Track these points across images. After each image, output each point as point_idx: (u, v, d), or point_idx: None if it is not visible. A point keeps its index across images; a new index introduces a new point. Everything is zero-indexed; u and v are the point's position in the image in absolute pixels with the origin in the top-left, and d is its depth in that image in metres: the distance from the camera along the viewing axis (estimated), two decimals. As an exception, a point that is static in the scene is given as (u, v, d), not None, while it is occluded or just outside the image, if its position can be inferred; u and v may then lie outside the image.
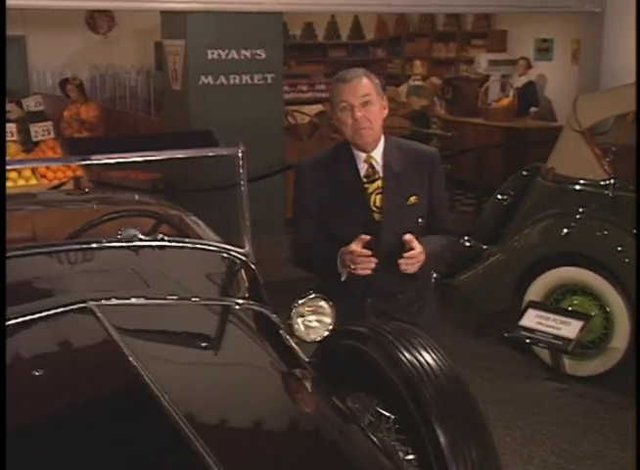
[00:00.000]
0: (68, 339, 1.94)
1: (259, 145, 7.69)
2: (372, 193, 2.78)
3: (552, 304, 4.73)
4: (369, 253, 2.60)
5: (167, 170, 8.24)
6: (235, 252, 2.65)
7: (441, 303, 5.66)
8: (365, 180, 2.78)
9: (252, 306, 2.29)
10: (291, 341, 2.23)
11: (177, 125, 7.82)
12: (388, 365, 2.02)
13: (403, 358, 2.01)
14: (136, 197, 3.60)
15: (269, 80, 7.70)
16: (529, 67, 10.66)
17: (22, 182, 7.46)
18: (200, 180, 7.51)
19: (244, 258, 2.64)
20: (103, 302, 1.93)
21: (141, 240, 2.35)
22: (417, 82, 11.05)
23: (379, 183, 2.78)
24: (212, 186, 7.34)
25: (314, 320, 2.28)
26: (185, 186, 7.75)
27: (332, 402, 1.97)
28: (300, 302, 2.28)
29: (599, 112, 4.61)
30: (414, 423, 1.95)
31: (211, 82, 7.45)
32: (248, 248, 2.73)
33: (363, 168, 2.79)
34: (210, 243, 2.70)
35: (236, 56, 7.49)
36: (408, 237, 2.63)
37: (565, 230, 4.68)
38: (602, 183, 4.57)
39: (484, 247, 5.07)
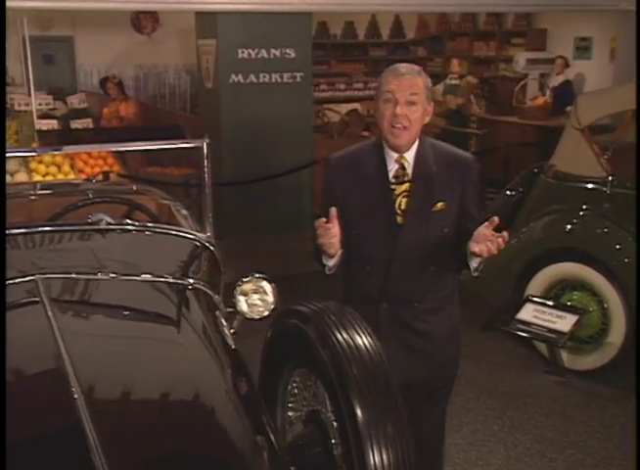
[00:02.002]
0: (9, 306, 2.14)
1: (288, 142, 7.93)
2: (399, 195, 2.66)
3: (552, 298, 4.81)
4: (324, 220, 2.48)
5: (200, 166, 8.51)
6: (195, 236, 2.84)
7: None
8: (394, 181, 2.66)
9: (198, 286, 2.46)
10: (224, 324, 2.39)
11: (209, 122, 8.09)
12: (321, 344, 2.17)
13: (334, 338, 2.16)
14: (134, 188, 3.82)
15: (298, 79, 7.89)
16: (567, 65, 10.61)
17: (61, 176, 7.81)
18: (228, 175, 7.77)
19: (205, 243, 2.83)
20: (48, 276, 2.16)
21: (108, 224, 2.57)
22: (454, 81, 11.09)
23: (407, 186, 2.65)
24: (240, 180, 7.60)
25: (257, 299, 2.46)
26: (216, 180, 8.01)
27: (239, 388, 2.11)
28: (245, 280, 2.45)
29: (597, 110, 4.67)
30: (338, 399, 2.11)
31: (241, 81, 7.68)
32: (209, 233, 2.91)
33: (393, 169, 2.66)
34: (173, 228, 2.88)
35: (266, 55, 7.71)
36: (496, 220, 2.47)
37: (565, 226, 4.76)
38: (600, 180, 4.64)
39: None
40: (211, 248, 2.85)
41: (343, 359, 2.12)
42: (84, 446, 1.55)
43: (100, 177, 6.36)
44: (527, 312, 4.71)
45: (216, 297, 2.48)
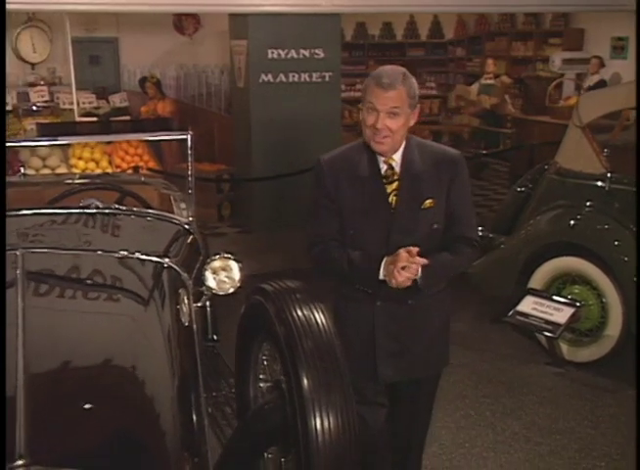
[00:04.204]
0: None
1: (316, 139, 8.14)
2: (390, 194, 2.72)
3: (554, 292, 4.94)
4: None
5: (232, 162, 8.82)
6: (176, 221, 3.08)
7: (461, 291, 5.97)
8: (384, 181, 2.73)
9: (170, 265, 2.68)
10: (185, 302, 2.60)
11: (241, 120, 8.37)
12: (277, 318, 2.38)
13: (288, 314, 2.37)
14: (142, 178, 4.10)
15: (327, 78, 8.10)
16: (602, 65, 10.62)
17: (98, 171, 8.20)
18: (257, 172, 8.03)
19: (185, 227, 3.07)
20: (29, 250, 2.42)
21: (97, 208, 2.83)
22: (488, 81, 11.19)
23: (396, 184, 2.72)
24: (268, 176, 7.85)
25: (224, 276, 2.68)
26: (246, 176, 8.31)
27: (177, 362, 2.30)
28: (213, 258, 2.68)
29: (597, 108, 4.79)
30: (288, 368, 2.32)
31: (271, 80, 7.93)
32: (191, 218, 3.15)
33: (383, 169, 2.73)
34: (156, 213, 3.11)
35: (295, 55, 7.94)
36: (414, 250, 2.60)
37: (566, 222, 4.88)
38: (600, 177, 4.76)
39: (490, 235, 5.33)
40: (191, 231, 3.08)
41: (295, 333, 2.32)
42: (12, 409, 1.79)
43: (130, 171, 6.69)
44: (527, 304, 4.85)
45: (184, 275, 2.69)
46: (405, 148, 2.72)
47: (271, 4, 7.68)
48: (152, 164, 8.45)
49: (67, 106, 9.33)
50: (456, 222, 2.78)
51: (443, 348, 3.01)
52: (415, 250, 2.60)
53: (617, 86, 5.04)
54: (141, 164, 8.24)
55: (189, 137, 3.15)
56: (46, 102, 9.66)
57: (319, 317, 2.39)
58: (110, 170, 8.12)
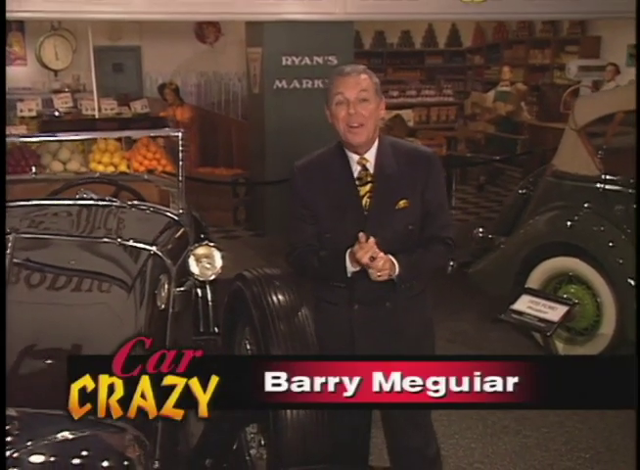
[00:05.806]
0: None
1: (329, 145, 8.30)
2: (363, 196, 2.70)
3: (551, 291, 5.05)
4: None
5: (248, 166, 9.01)
6: (169, 212, 3.26)
7: (463, 291, 6.07)
8: (358, 183, 2.70)
9: (156, 252, 2.85)
10: (165, 286, 2.74)
11: (256, 125, 8.56)
12: (253, 304, 2.54)
13: (264, 299, 2.52)
14: (145, 176, 4.31)
15: (340, 85, 8.25)
16: (618, 72, 10.66)
17: (116, 175, 8.43)
18: (271, 176, 8.20)
19: (174, 218, 3.25)
20: (20, 235, 2.60)
21: (92, 199, 3.02)
22: (504, 88, 11.26)
23: (370, 186, 2.70)
24: (282, 180, 8.01)
25: (207, 263, 2.85)
26: (261, 180, 8.49)
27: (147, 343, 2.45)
28: (196, 245, 2.85)
29: (593, 111, 4.90)
30: (262, 350, 2.47)
31: (285, 86, 8.12)
32: (181, 210, 3.33)
33: (356, 171, 2.70)
34: (151, 205, 3.29)
35: (309, 62, 8.12)
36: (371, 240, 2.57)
37: (562, 223, 5.00)
38: (594, 179, 4.86)
39: (490, 236, 5.45)
40: (181, 223, 3.25)
41: (268, 316, 2.48)
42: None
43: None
44: (523, 303, 4.93)
45: (168, 261, 2.85)
46: (379, 147, 2.72)
47: (286, 11, 7.87)
48: (169, 168, 8.64)
49: (89, 112, 9.60)
50: (430, 222, 2.77)
51: (427, 349, 2.93)
52: (362, 234, 2.56)
53: (613, 89, 5.15)
54: (159, 167, 8.46)
55: (180, 135, 3.33)
56: (69, 108, 9.94)
57: (293, 302, 2.54)
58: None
